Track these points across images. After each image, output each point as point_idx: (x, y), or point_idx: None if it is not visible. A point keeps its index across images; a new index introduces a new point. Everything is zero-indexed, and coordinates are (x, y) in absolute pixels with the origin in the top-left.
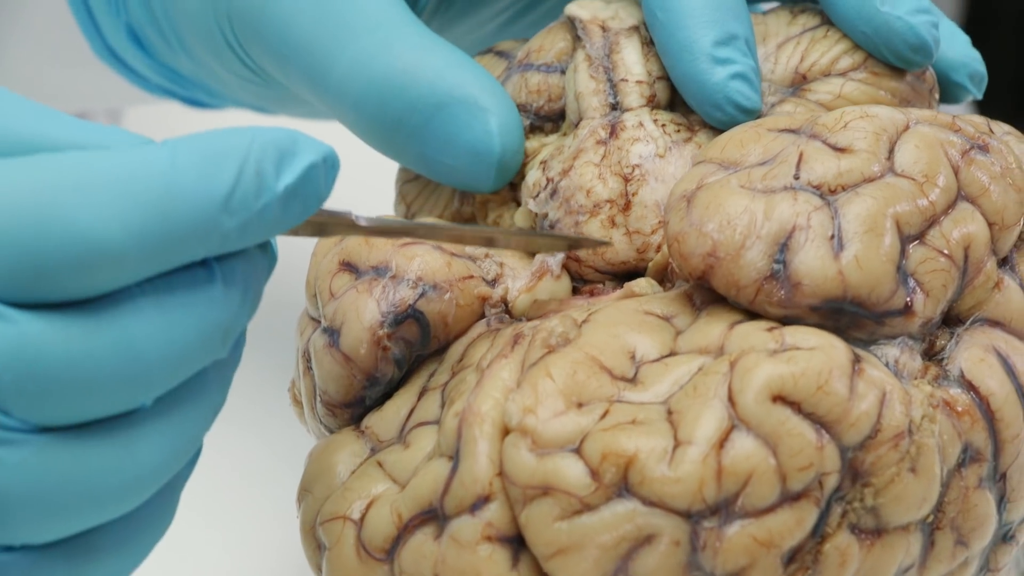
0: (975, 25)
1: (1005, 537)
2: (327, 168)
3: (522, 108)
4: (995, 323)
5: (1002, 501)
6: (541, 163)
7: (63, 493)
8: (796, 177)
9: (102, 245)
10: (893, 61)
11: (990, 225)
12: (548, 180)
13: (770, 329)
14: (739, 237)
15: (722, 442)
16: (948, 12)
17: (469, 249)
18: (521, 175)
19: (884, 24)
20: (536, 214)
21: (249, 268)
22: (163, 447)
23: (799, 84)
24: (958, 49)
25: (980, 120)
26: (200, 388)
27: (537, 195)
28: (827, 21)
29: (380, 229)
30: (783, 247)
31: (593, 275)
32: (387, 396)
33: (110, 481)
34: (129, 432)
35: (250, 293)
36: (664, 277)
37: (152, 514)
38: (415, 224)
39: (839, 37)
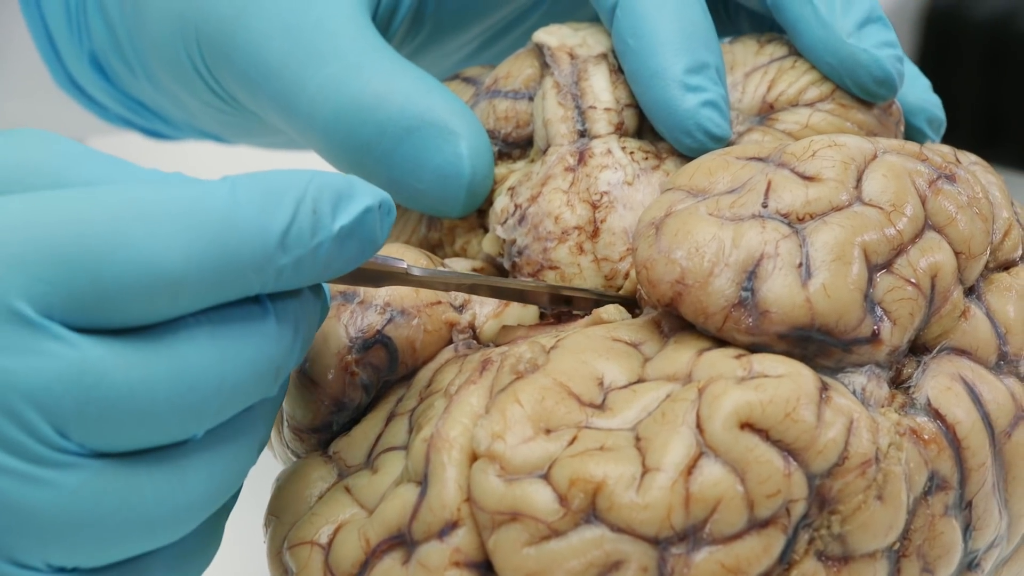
0: (937, 56)
1: (971, 565)
2: (383, 213)
3: (490, 134)
4: (961, 352)
5: (968, 529)
6: (509, 189)
7: (116, 519)
8: (764, 205)
9: (163, 273)
10: (857, 93)
11: (957, 254)
12: (516, 206)
13: (738, 356)
14: (707, 264)
15: (690, 469)
16: (911, 41)
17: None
18: (489, 201)
19: (850, 56)
20: (504, 240)
21: (302, 310)
22: (212, 478)
23: (766, 113)
24: (918, 93)
25: (947, 150)
26: (248, 423)
27: (505, 221)
28: (795, 52)
29: (433, 281)
30: (751, 275)
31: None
32: (354, 421)
33: (161, 509)
34: (180, 462)
35: (301, 334)
36: (633, 304)
37: (199, 542)
38: (468, 275)
39: (807, 68)
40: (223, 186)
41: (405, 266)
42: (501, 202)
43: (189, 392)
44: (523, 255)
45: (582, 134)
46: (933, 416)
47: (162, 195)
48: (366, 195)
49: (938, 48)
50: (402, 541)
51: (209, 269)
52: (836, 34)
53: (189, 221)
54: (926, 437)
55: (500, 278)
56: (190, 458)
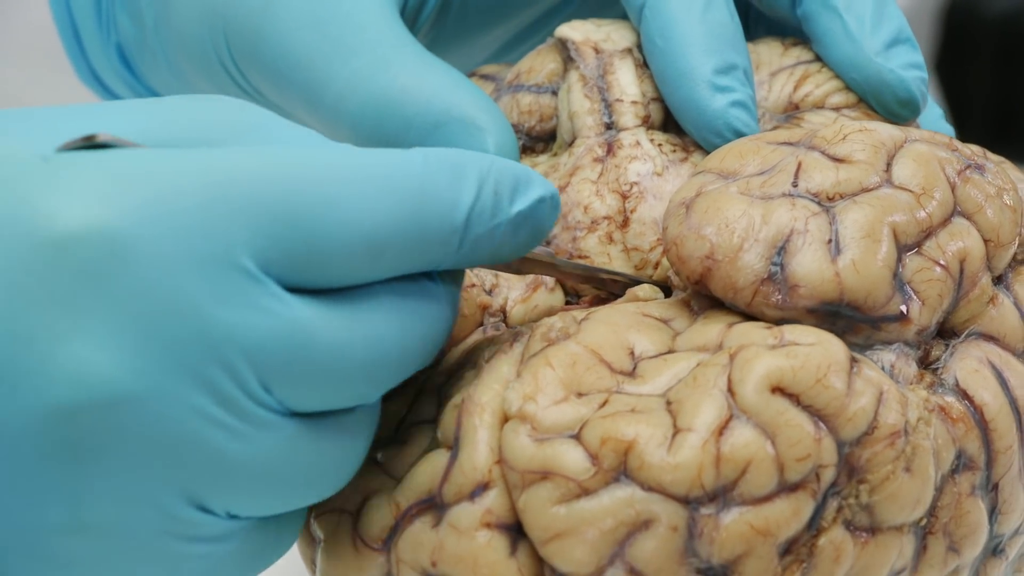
0: (953, 52)
1: (996, 550)
2: (552, 205)
3: (514, 128)
4: (989, 338)
5: (994, 512)
6: None
7: (301, 476)
8: (794, 185)
9: (368, 236)
10: (880, 112)
11: (985, 242)
12: None
13: (769, 327)
14: (737, 240)
15: (721, 430)
16: (927, 38)
17: None
18: None
19: (876, 75)
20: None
21: (458, 290)
22: (367, 442)
23: (792, 112)
24: (931, 121)
25: (976, 147)
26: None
27: None
28: (820, 58)
29: (569, 272)
30: (781, 250)
31: (589, 290)
32: (386, 398)
33: (337, 470)
34: (352, 426)
35: (455, 314)
36: (666, 291)
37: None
38: (592, 268)
39: (834, 74)
40: (417, 156)
41: (552, 254)
42: None
43: (380, 359)
44: (552, 244)
45: (609, 126)
46: (961, 396)
47: (366, 160)
48: (541, 185)
49: (953, 45)
50: (433, 504)
51: (406, 236)
52: (864, 52)
53: (391, 186)
54: (954, 416)
55: (626, 272)
56: (359, 423)
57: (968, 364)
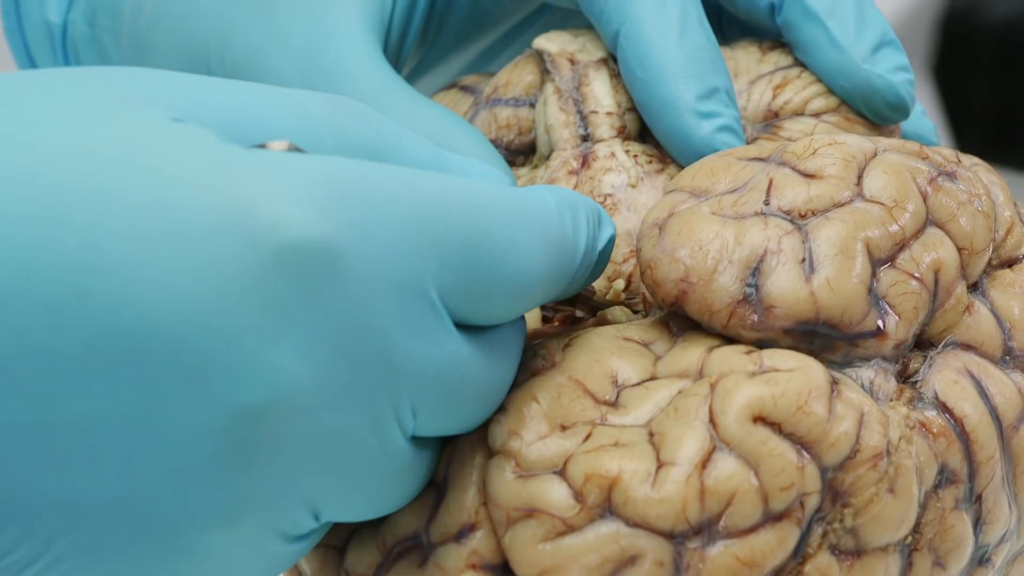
0: (951, 59)
1: (982, 560)
2: (614, 240)
3: (493, 143)
4: (967, 347)
5: (978, 523)
6: None
7: (403, 496)
8: (766, 203)
9: (532, 281)
10: (869, 116)
11: (959, 250)
12: None
13: (748, 352)
14: (711, 262)
15: (704, 463)
16: (925, 44)
17: None
18: None
19: (865, 82)
20: None
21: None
22: None
23: (771, 121)
24: (914, 117)
25: (948, 151)
26: None
27: None
28: (799, 62)
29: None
30: (755, 271)
31: (563, 303)
32: None
33: (414, 491)
34: (433, 449)
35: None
36: (637, 309)
37: None
38: None
39: (813, 79)
40: (549, 197)
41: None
42: None
43: (503, 392)
44: None
45: (585, 138)
46: (941, 410)
47: (527, 203)
48: (609, 222)
49: (952, 51)
50: (418, 543)
51: (549, 279)
52: (851, 59)
53: (545, 230)
54: (935, 430)
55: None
56: (433, 446)
57: (947, 376)
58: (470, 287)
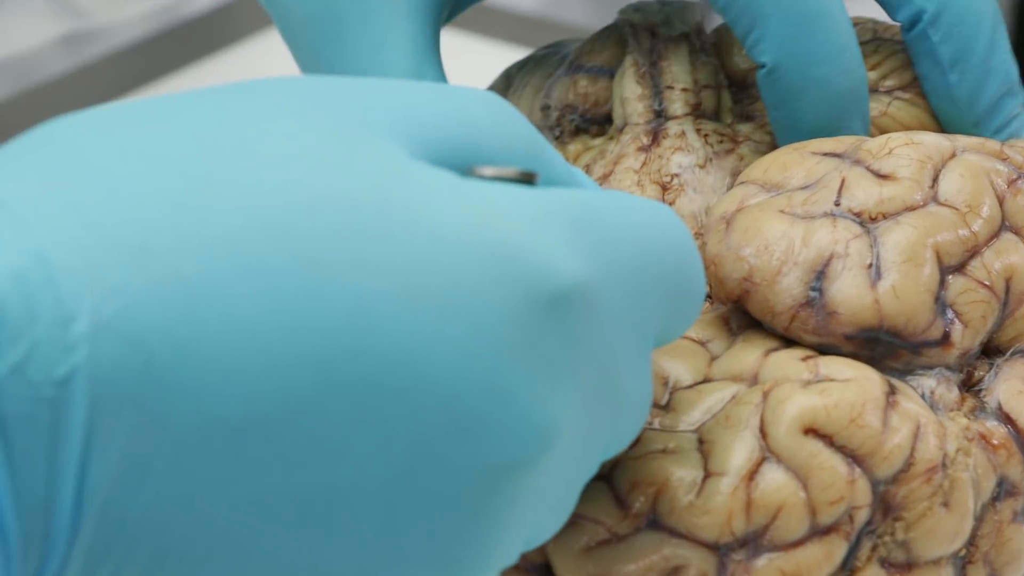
0: None
1: None
2: None
3: (569, 108)
4: None
5: None
6: (585, 165)
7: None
8: (837, 203)
9: (703, 295)
10: None
11: None
12: None
13: (805, 359)
14: (776, 263)
15: (752, 474)
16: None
17: None
18: None
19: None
20: None
21: None
22: None
23: None
24: None
25: None
26: None
27: None
28: (878, 36)
29: None
30: (820, 274)
31: None
32: None
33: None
34: None
35: None
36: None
37: None
38: None
39: (888, 54)
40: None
41: None
42: None
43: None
44: None
45: (659, 114)
46: (1003, 420)
47: (677, 218)
48: None
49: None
50: None
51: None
52: (962, 119)
53: (694, 246)
54: (995, 442)
55: None
56: None
57: (1012, 385)
58: (675, 315)
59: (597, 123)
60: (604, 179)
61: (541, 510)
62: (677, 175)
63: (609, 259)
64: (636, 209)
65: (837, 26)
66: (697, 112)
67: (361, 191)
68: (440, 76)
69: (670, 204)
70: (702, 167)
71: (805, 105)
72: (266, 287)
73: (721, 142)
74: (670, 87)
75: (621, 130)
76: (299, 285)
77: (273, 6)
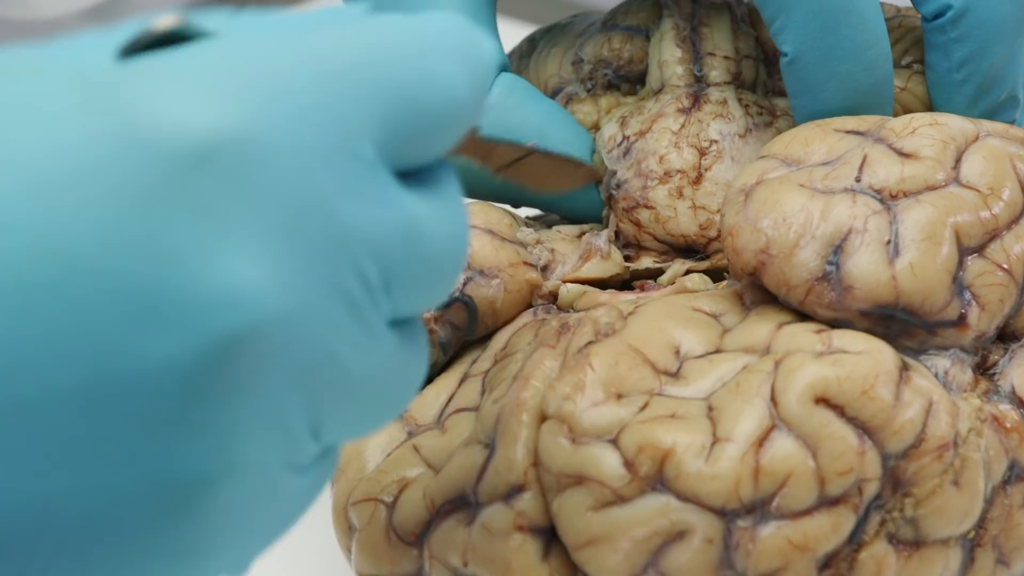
0: None
1: None
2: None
3: (603, 63)
4: None
5: None
6: (621, 118)
7: (393, 390)
8: (857, 180)
9: (459, 105)
10: None
11: None
12: (624, 137)
13: (818, 331)
14: (793, 236)
15: (761, 441)
16: None
17: (520, 235)
18: (597, 126)
19: None
20: (606, 168)
21: None
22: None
23: None
24: None
25: None
26: None
27: (611, 150)
28: (900, 12)
29: (493, 146)
30: (837, 249)
31: (651, 242)
32: (430, 380)
33: (415, 382)
34: (422, 333)
35: None
36: (721, 275)
37: None
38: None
39: (909, 28)
40: (451, 16)
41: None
42: (610, 129)
43: (463, 248)
44: (621, 188)
45: (698, 79)
46: (1017, 404)
47: (435, 27)
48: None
49: None
50: (466, 502)
51: (475, 99)
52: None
53: (463, 53)
54: (1008, 425)
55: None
56: (422, 330)
57: None
58: (401, 130)
59: (629, 81)
60: (640, 135)
61: (294, 377)
62: (716, 141)
63: (274, 97)
64: (352, 34)
65: (864, 22)
66: (737, 81)
67: None
68: (493, 31)
69: (706, 169)
70: (742, 136)
71: (825, 98)
72: None
73: (761, 114)
74: (711, 53)
75: (657, 91)
76: None
77: None
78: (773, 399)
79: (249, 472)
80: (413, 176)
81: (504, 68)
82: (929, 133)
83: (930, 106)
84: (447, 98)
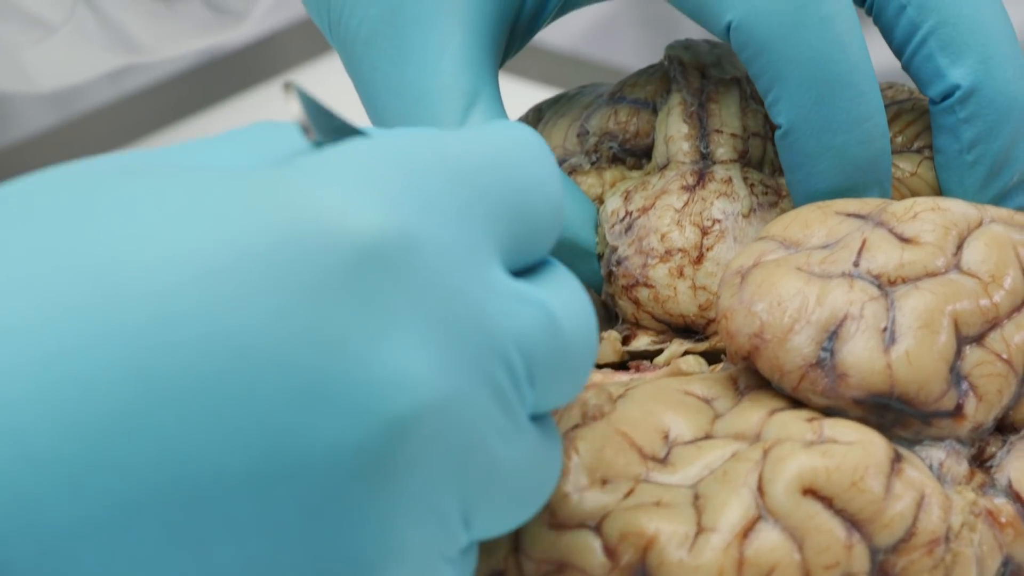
0: None
1: None
2: None
3: (608, 135)
4: None
5: None
6: (625, 192)
7: (536, 484)
8: (856, 264)
9: (558, 206)
10: None
11: None
12: (627, 213)
13: (810, 420)
14: (788, 320)
15: (746, 532)
16: None
17: None
18: (600, 200)
19: None
20: (608, 244)
21: None
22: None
23: None
24: None
25: None
26: None
27: (613, 225)
28: (915, 95)
29: None
30: (832, 335)
31: (649, 321)
32: None
33: (553, 476)
34: (556, 430)
35: None
36: (719, 357)
37: None
38: None
39: (921, 112)
40: (526, 128)
41: None
42: (613, 203)
43: (596, 343)
44: (621, 266)
45: (704, 156)
46: (1013, 499)
47: (527, 138)
48: None
49: None
50: None
51: (561, 204)
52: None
53: (549, 158)
54: (1003, 520)
55: None
56: (555, 427)
57: None
58: (520, 231)
59: (635, 155)
60: (643, 211)
61: (450, 467)
62: (719, 220)
63: (424, 195)
64: (469, 139)
65: (860, 95)
66: (744, 159)
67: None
68: (496, 96)
69: (708, 249)
70: (746, 217)
71: (820, 171)
72: (51, 306)
73: (766, 194)
74: (718, 130)
75: (663, 167)
76: (90, 295)
77: (335, 28)
78: (760, 489)
79: (408, 559)
80: (530, 273)
81: None
82: (931, 218)
83: (940, 192)
84: (550, 202)
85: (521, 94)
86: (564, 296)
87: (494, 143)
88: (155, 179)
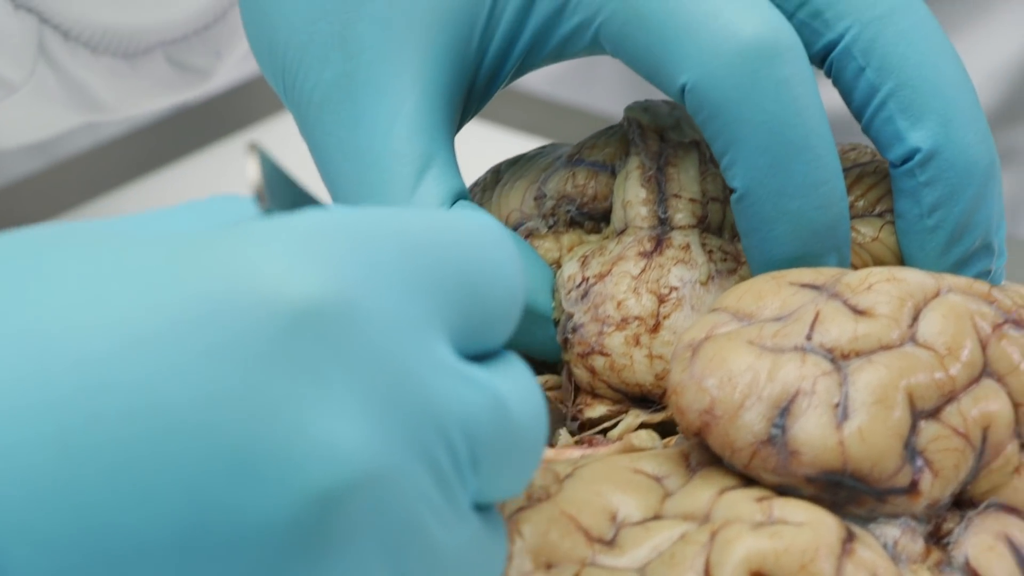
0: None
1: None
2: None
3: (566, 199)
4: (1011, 510)
5: None
6: (582, 257)
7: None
8: (808, 338)
9: (517, 297)
10: None
11: (1016, 405)
12: (584, 279)
13: (760, 499)
14: (738, 396)
15: None
16: None
17: None
18: (558, 264)
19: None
20: (564, 311)
21: None
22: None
23: None
24: None
25: (1022, 294)
26: None
27: (569, 291)
28: (877, 158)
29: None
30: (784, 411)
31: (605, 390)
32: None
33: (495, 569)
34: (502, 524)
35: None
36: (675, 428)
37: None
38: None
39: (883, 175)
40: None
41: None
42: (570, 268)
43: (545, 436)
44: (577, 333)
45: (662, 221)
46: None
47: (491, 226)
48: None
49: None
50: None
51: (522, 296)
52: (929, 267)
53: (510, 250)
54: None
55: None
56: (500, 519)
57: (983, 540)
58: (474, 313)
59: (593, 218)
60: (600, 278)
61: (386, 546)
62: (676, 288)
63: (368, 265)
64: (427, 217)
65: (817, 159)
66: (702, 225)
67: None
68: (450, 160)
69: (664, 317)
70: (704, 284)
71: (777, 236)
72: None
73: (725, 260)
74: (676, 195)
75: (620, 232)
76: (14, 362)
77: (289, 92)
78: (707, 572)
79: None
80: (483, 360)
81: (463, 196)
82: (886, 289)
83: (902, 258)
84: (507, 288)
85: (498, 140)
86: (515, 384)
87: (453, 224)
88: (87, 244)
